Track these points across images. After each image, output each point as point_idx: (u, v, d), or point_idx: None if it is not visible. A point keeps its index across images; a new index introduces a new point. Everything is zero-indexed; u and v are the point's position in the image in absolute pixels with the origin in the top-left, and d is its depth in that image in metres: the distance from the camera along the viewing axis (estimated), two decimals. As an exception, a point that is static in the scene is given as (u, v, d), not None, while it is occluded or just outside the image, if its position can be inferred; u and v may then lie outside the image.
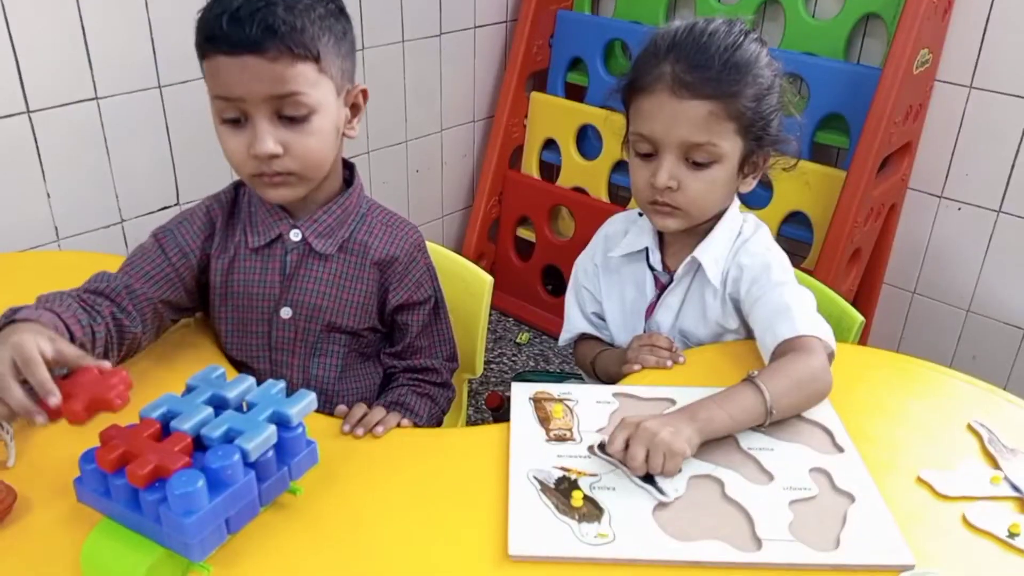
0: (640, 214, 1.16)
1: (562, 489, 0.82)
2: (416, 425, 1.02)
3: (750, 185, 1.08)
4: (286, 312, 1.04)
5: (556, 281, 2.35)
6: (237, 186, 1.07)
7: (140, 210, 1.67)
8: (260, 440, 0.72)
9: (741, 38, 1.00)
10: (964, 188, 1.85)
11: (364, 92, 1.03)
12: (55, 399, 0.73)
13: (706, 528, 0.78)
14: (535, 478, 0.84)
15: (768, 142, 1.05)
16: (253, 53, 0.89)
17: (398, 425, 0.92)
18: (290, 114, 0.93)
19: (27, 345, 0.75)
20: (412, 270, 1.08)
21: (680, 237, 1.11)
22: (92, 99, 1.52)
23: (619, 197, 2.25)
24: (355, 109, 1.02)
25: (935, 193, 1.89)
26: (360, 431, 0.90)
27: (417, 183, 2.25)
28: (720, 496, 0.82)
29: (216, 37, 0.90)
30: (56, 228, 1.56)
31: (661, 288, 1.14)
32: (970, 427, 0.93)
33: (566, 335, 1.24)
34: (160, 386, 0.81)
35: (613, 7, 2.21)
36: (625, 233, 1.18)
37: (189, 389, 0.78)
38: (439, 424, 1.13)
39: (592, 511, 0.80)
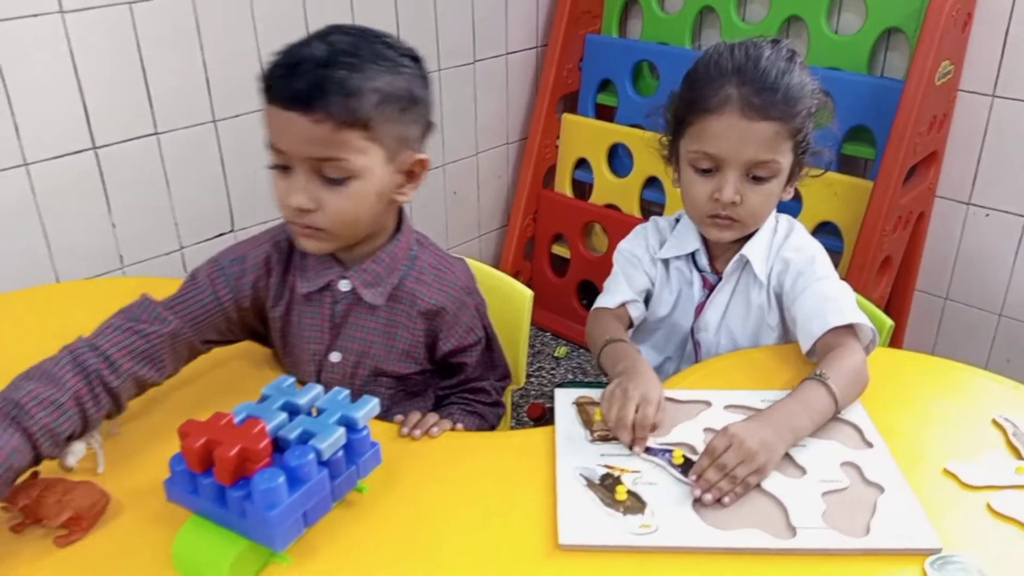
0: (678, 219, 1.23)
1: (607, 484, 0.88)
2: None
3: (790, 193, 1.15)
4: (335, 356, 1.07)
5: (591, 296, 2.40)
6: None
7: (198, 237, 1.76)
8: (332, 440, 0.79)
9: (794, 61, 1.07)
10: (991, 194, 1.89)
11: (423, 162, 1.00)
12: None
13: (743, 518, 0.84)
14: (581, 475, 0.90)
15: (808, 153, 1.12)
16: (299, 111, 0.89)
17: (452, 428, 0.99)
18: (330, 176, 0.93)
19: None
20: (462, 316, 1.09)
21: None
22: (152, 135, 1.63)
23: (650, 212, 2.31)
24: (410, 175, 1.01)
25: (963, 200, 1.93)
26: (417, 432, 0.97)
27: (454, 205, 2.34)
28: (756, 489, 0.87)
29: (271, 87, 0.92)
30: (121, 256, 1.65)
31: (709, 288, 1.20)
32: (995, 421, 0.98)
33: (610, 301, 1.21)
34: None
35: (640, 29, 2.28)
36: (664, 238, 1.23)
37: (264, 397, 0.86)
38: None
39: (635, 504, 0.86)
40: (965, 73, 1.82)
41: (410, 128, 0.98)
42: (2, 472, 0.80)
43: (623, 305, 1.21)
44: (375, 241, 1.04)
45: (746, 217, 1.11)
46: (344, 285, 1.04)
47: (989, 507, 0.85)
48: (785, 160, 1.09)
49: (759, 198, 1.10)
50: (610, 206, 2.30)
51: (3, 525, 0.84)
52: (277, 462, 0.77)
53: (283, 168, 0.95)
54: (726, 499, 0.85)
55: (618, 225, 2.24)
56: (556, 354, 2.36)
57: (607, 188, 2.30)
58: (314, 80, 0.89)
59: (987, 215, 1.91)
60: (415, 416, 1.00)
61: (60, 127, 1.50)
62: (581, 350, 2.38)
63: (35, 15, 1.42)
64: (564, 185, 2.39)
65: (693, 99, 1.10)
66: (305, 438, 0.79)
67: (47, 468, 0.88)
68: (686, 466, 0.90)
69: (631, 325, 1.22)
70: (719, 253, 1.20)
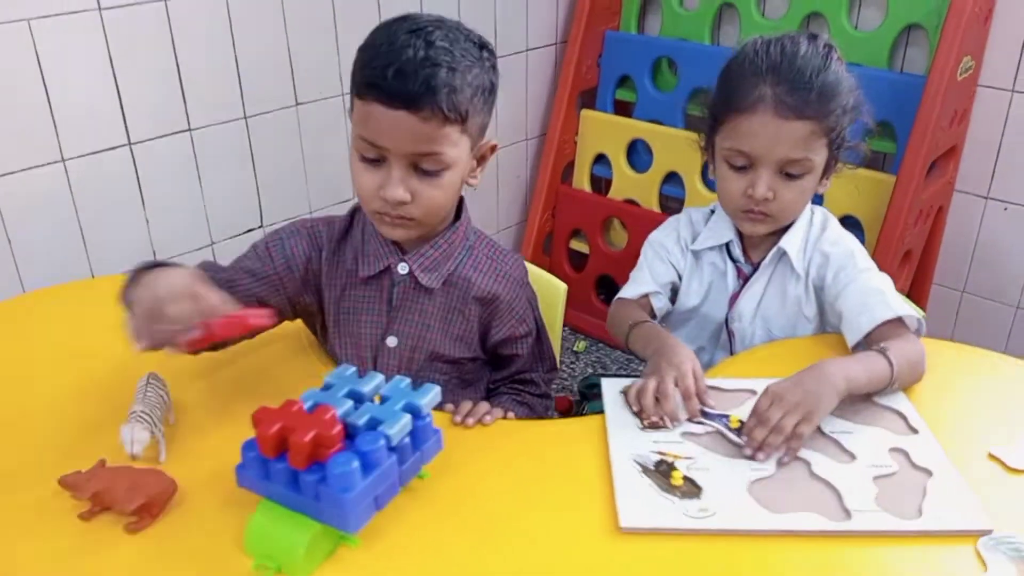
0: (712, 211, 1.25)
1: (661, 470, 0.90)
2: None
3: (826, 187, 1.16)
4: (392, 341, 1.10)
5: (609, 291, 2.43)
6: (353, 214, 1.12)
7: (228, 232, 1.78)
8: (400, 426, 0.81)
9: (830, 57, 1.08)
10: (1010, 188, 1.91)
11: (493, 147, 1.06)
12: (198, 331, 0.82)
13: (798, 502, 0.86)
14: (635, 461, 0.92)
15: (843, 148, 1.13)
16: (408, 110, 0.92)
17: (503, 417, 1.01)
18: (426, 168, 0.97)
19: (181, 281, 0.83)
20: (515, 306, 1.12)
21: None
22: (186, 131, 1.64)
23: (669, 208, 2.33)
24: (481, 160, 1.06)
25: (981, 194, 1.95)
26: (471, 420, 0.99)
27: (473, 200, 2.32)
28: (808, 474, 0.90)
29: (378, 87, 0.93)
30: (154, 251, 1.67)
31: (744, 278, 1.22)
32: (1034, 407, 1.00)
33: (632, 291, 1.23)
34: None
35: (659, 25, 2.30)
36: (697, 230, 1.25)
37: (327, 386, 0.87)
38: (579, 407, 1.21)
39: (691, 489, 0.88)
40: (985, 68, 1.84)
41: (487, 115, 1.02)
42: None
43: (645, 296, 1.23)
44: (436, 227, 1.07)
45: (779, 212, 1.13)
46: (402, 268, 1.07)
47: (1035, 489, 0.88)
48: (819, 157, 1.11)
49: (792, 194, 1.12)
50: (629, 201, 2.33)
51: (71, 513, 0.86)
52: (348, 448, 0.79)
53: (372, 161, 0.98)
54: (784, 457, 0.90)
55: (637, 220, 2.27)
56: (576, 348, 2.38)
57: (626, 183, 2.32)
58: (426, 79, 0.92)
59: (1005, 209, 1.93)
60: (467, 404, 1.02)
61: (96, 123, 1.52)
62: (600, 344, 2.40)
63: (73, 12, 1.43)
64: (582, 180, 2.41)
65: (727, 97, 1.12)
66: (373, 424, 0.81)
67: (113, 457, 0.90)
68: (741, 432, 0.94)
69: (653, 317, 1.23)
70: (754, 244, 1.22)
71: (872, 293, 1.09)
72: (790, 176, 1.11)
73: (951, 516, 0.83)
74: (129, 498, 0.83)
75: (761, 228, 1.16)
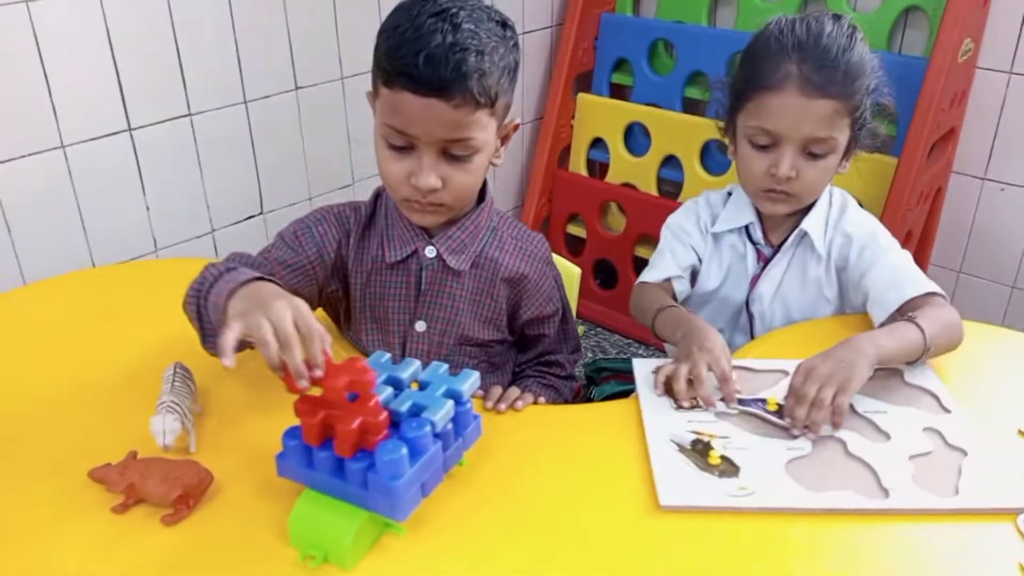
0: (729, 193, 1.25)
1: (698, 450, 0.91)
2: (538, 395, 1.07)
3: (846, 168, 1.16)
4: (420, 326, 1.09)
5: (606, 275, 2.43)
6: (376, 198, 1.10)
7: (228, 220, 1.76)
8: (444, 412, 0.80)
9: (855, 37, 1.08)
10: (1006, 169, 1.93)
11: (516, 126, 1.05)
12: (321, 372, 0.76)
13: (836, 481, 0.86)
14: (672, 440, 0.92)
15: (866, 129, 1.13)
16: (440, 97, 0.91)
17: (535, 402, 1.01)
18: (457, 153, 0.96)
19: (308, 314, 0.79)
20: (542, 285, 1.12)
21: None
22: (186, 116, 1.61)
23: (666, 192, 2.33)
24: (505, 140, 1.04)
25: (978, 175, 1.97)
26: (503, 406, 0.98)
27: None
28: (844, 454, 0.90)
29: (407, 74, 0.91)
30: (155, 239, 1.64)
31: (764, 261, 1.22)
32: (1058, 385, 1.02)
33: (655, 275, 1.23)
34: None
35: (655, 7, 2.29)
36: (715, 212, 1.25)
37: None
38: (587, 392, 1.21)
39: (729, 468, 0.88)
40: (983, 50, 1.86)
41: (512, 96, 1.00)
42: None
43: (668, 280, 1.23)
44: (463, 209, 1.06)
45: (801, 192, 1.13)
46: (430, 252, 1.06)
47: (1067, 466, 0.89)
48: (842, 136, 1.11)
49: (815, 173, 1.12)
50: (627, 185, 2.32)
51: (104, 506, 0.84)
52: (392, 435, 0.78)
53: (400, 148, 0.96)
54: (830, 429, 0.91)
55: (636, 204, 2.26)
56: (574, 333, 2.38)
57: (624, 167, 2.32)
58: (456, 65, 0.90)
59: (1002, 189, 1.95)
60: (497, 390, 1.01)
61: (96, 109, 1.49)
62: (599, 329, 2.40)
63: (73, -5, 1.40)
64: (579, 165, 2.40)
65: (753, 75, 1.11)
66: (415, 411, 0.80)
67: (144, 448, 0.88)
68: (780, 413, 0.94)
69: (674, 300, 1.23)
70: (773, 226, 1.22)
71: (899, 270, 1.10)
72: (813, 155, 1.11)
73: (988, 494, 0.84)
74: (166, 489, 0.82)
75: (782, 208, 1.16)
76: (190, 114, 1.62)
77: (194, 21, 1.56)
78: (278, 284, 0.88)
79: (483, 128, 0.96)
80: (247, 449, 0.92)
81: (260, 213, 1.81)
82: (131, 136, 1.54)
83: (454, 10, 0.93)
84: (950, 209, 2.03)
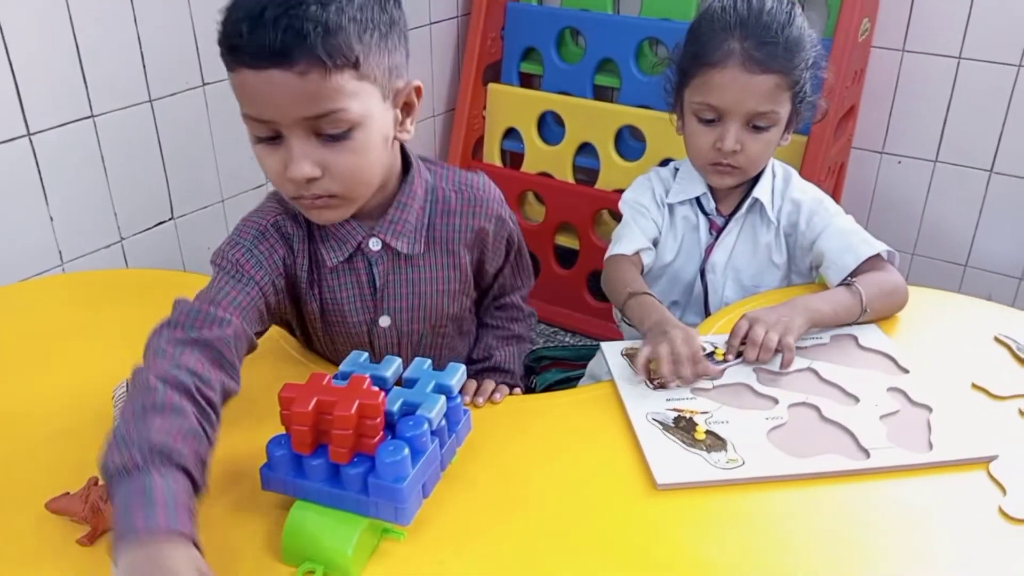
0: (676, 169, 1.26)
1: (682, 427, 0.91)
2: (513, 385, 1.05)
3: (787, 140, 1.20)
4: (385, 321, 1.02)
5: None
6: None
7: (137, 227, 1.65)
8: (437, 409, 0.77)
9: (793, 13, 1.12)
10: (903, 143, 2.04)
11: (418, 89, 0.92)
12: None
13: (819, 446, 0.89)
14: (655, 420, 0.92)
15: (805, 102, 1.17)
16: (279, 67, 0.78)
17: (511, 393, 0.99)
18: (329, 132, 0.83)
19: None
20: (500, 232, 1.07)
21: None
22: (88, 117, 1.50)
23: (581, 180, 2.34)
24: (408, 108, 0.92)
25: (877, 150, 2.08)
26: (480, 400, 0.96)
27: (384, 181, 2.28)
28: (819, 419, 0.93)
29: (237, 47, 0.79)
30: (60, 252, 1.52)
31: (717, 231, 1.24)
32: (997, 339, 1.08)
33: (626, 247, 1.21)
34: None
35: (560, -4, 2.30)
36: (668, 186, 1.27)
37: (343, 375, 0.81)
38: (528, 381, 1.21)
39: (716, 442, 0.89)
40: (878, 29, 1.95)
41: (395, 54, 0.87)
42: (195, 517, 0.70)
43: (637, 253, 1.22)
44: (388, 188, 0.97)
45: (746, 164, 1.17)
46: (374, 244, 0.97)
47: (1021, 412, 0.94)
48: (784, 110, 1.14)
49: (759, 146, 1.15)
50: (543, 174, 2.32)
51: (67, 539, 0.77)
52: (388, 436, 0.75)
53: (269, 139, 0.85)
54: (784, 367, 1.00)
55: (554, 193, 2.27)
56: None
57: (539, 157, 2.32)
58: (288, 25, 0.77)
59: (899, 162, 2.06)
60: (472, 384, 0.99)
61: (-10, 112, 1.37)
62: (522, 318, 2.39)
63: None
64: (493, 156, 2.39)
65: (697, 52, 1.14)
66: (407, 410, 0.77)
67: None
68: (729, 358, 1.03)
69: (642, 272, 1.23)
70: (723, 197, 1.25)
71: (850, 234, 1.15)
72: (757, 128, 1.14)
73: (961, 446, 0.88)
74: (137, 515, 0.76)
75: (729, 180, 1.19)
76: (92, 115, 1.50)
77: (94, 15, 1.45)
78: (184, 535, 0.67)
79: (352, 96, 0.82)
80: (216, 466, 0.86)
81: (171, 218, 1.71)
82: (30, 141, 1.42)
83: None
84: (852, 182, 2.13)
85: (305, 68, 0.79)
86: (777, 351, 1.00)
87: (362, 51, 0.82)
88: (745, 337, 1.01)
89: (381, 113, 0.87)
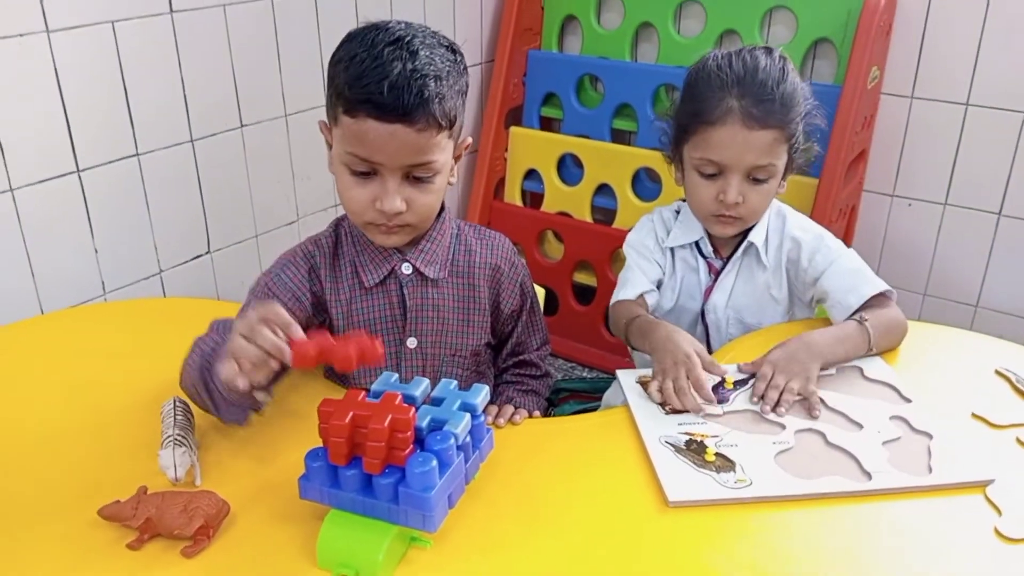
0: (678, 211, 1.33)
1: (693, 449, 0.96)
2: (533, 410, 1.14)
3: (784, 188, 1.25)
4: (412, 342, 1.12)
5: (547, 302, 2.48)
6: (337, 227, 1.13)
7: (176, 260, 1.73)
8: (463, 425, 0.83)
9: (786, 69, 1.18)
10: (913, 186, 2.10)
11: (467, 145, 1.10)
12: (299, 333, 0.85)
13: (823, 468, 0.93)
14: (667, 443, 0.97)
15: (800, 151, 1.23)
16: (404, 123, 0.95)
17: (530, 416, 1.05)
18: (419, 176, 1.01)
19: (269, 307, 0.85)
20: (513, 275, 1.17)
21: None
22: (134, 156, 1.59)
23: (599, 219, 2.41)
24: (458, 159, 1.09)
25: (888, 192, 2.14)
26: (501, 421, 1.02)
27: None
28: (825, 444, 0.98)
29: (372, 103, 0.95)
30: (103, 283, 1.60)
31: (716, 273, 1.30)
32: (998, 372, 1.12)
33: (630, 292, 1.27)
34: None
35: (579, 44, 2.39)
36: (669, 227, 1.33)
37: (375, 394, 0.87)
38: (545, 412, 1.26)
39: (725, 463, 0.94)
40: (887, 77, 2.02)
41: (463, 116, 1.05)
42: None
43: (642, 296, 1.28)
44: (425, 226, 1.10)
45: (747, 214, 1.23)
46: (406, 268, 1.10)
47: (1018, 440, 0.99)
48: (781, 161, 1.20)
49: (759, 197, 1.21)
50: (562, 214, 2.40)
51: (117, 543, 0.83)
52: (417, 449, 0.81)
53: (362, 174, 1.00)
54: (814, 411, 1.03)
55: (573, 231, 2.34)
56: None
57: (558, 196, 2.39)
58: (419, 91, 0.94)
59: (910, 205, 2.12)
60: (493, 408, 1.05)
61: (44, 150, 1.45)
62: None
63: (21, 35, 1.37)
64: (514, 195, 2.47)
65: (696, 110, 1.19)
66: (435, 426, 0.83)
67: (154, 483, 0.87)
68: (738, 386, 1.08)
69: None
70: (720, 240, 1.30)
71: (854, 273, 1.20)
72: (757, 180, 1.20)
73: (959, 470, 0.92)
74: (185, 521, 0.82)
75: (731, 230, 1.25)
76: (138, 154, 1.60)
77: (142, 59, 1.55)
78: None
79: (443, 150, 1.01)
80: (252, 478, 0.93)
81: (207, 252, 1.79)
82: (79, 177, 1.51)
83: (408, 38, 0.97)
84: (863, 224, 2.19)
85: (423, 127, 0.96)
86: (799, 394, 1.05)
87: (456, 114, 1.01)
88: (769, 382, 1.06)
89: (450, 162, 1.05)
